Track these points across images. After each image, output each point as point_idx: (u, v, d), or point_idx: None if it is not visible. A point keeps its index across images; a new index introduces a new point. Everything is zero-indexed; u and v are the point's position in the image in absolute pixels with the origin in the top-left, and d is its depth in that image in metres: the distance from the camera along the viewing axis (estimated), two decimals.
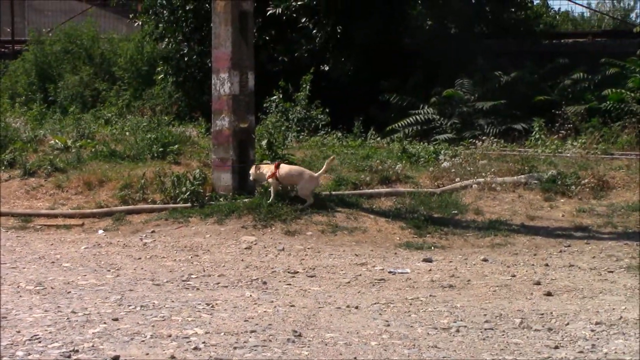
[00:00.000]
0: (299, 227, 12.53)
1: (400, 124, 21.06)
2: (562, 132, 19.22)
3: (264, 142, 15.74)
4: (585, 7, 31.45)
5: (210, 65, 15.73)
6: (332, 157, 14.12)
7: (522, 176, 14.88)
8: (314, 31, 22.48)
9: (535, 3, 27.45)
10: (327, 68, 22.44)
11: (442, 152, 16.95)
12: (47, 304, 7.78)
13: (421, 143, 18.82)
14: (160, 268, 10.08)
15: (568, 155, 16.98)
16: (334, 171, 15.42)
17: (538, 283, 9.29)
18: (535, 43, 24.57)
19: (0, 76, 27.63)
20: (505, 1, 24.88)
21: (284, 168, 13.43)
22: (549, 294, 8.74)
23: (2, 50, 30.53)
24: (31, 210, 14.21)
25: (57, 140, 17.78)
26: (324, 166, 13.56)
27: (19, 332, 6.56)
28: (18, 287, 8.68)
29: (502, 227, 12.73)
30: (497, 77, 22.01)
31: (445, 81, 21.78)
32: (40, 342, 6.26)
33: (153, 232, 12.56)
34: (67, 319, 7.11)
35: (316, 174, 13.43)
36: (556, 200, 14.01)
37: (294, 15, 22.55)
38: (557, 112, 20.16)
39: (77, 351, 6.00)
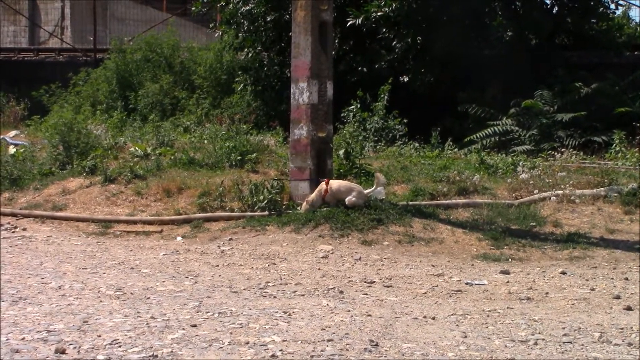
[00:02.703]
0: (376, 237, 12.52)
1: (478, 135, 20.94)
2: None
3: (341, 152, 15.79)
4: None
5: (289, 74, 15.81)
6: (378, 174, 14.14)
7: (602, 189, 14.68)
8: (394, 42, 22.46)
9: (616, 14, 27.07)
10: (406, 79, 22.42)
11: (520, 163, 16.80)
12: (127, 309, 7.87)
13: (499, 154, 18.68)
14: (237, 275, 10.15)
15: None
16: (410, 181, 15.40)
17: (618, 297, 9.16)
18: (617, 55, 24.27)
19: (82, 84, 28.03)
20: (587, 12, 24.51)
21: (334, 184, 13.62)
22: (629, 308, 8.62)
23: (85, 58, 30.97)
24: (111, 216, 14.42)
25: (137, 148, 18.01)
26: (374, 185, 13.76)
27: (99, 336, 6.65)
28: (98, 292, 8.81)
29: (581, 240, 12.58)
30: (578, 89, 21.78)
31: (525, 92, 21.60)
32: (120, 346, 6.34)
33: (230, 239, 12.65)
34: (147, 324, 7.19)
35: (365, 191, 13.57)
36: (636, 213, 13.79)
37: (374, 25, 22.55)
38: (638, 124, 19.85)
39: (156, 356, 6.06)
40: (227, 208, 14.28)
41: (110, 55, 28.05)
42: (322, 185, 13.44)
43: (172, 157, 17.15)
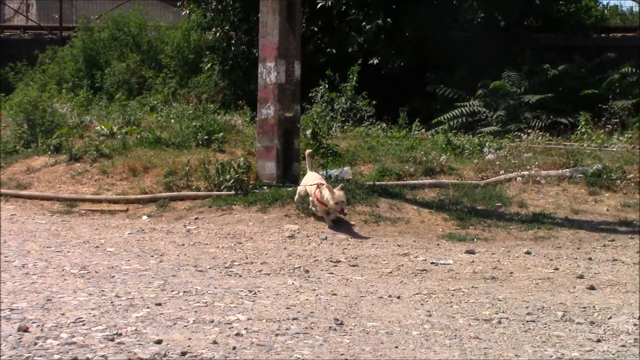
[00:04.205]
0: (342, 217, 12.52)
1: (445, 116, 21.02)
2: (609, 126, 19.09)
3: (308, 132, 15.78)
4: (635, 1, 31.02)
5: (257, 54, 15.75)
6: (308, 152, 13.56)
7: (567, 170, 14.78)
8: (364, 23, 22.43)
9: None
10: (376, 61, 22.41)
11: (487, 144, 16.89)
12: (91, 288, 7.84)
13: (466, 135, 18.76)
14: (203, 255, 10.13)
15: (614, 149, 16.87)
16: (377, 161, 15.41)
17: (581, 277, 9.23)
18: (584, 37, 24.44)
19: (48, 62, 27.80)
20: None
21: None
22: (592, 287, 8.68)
23: (51, 36, 30.74)
24: (76, 195, 14.32)
25: (103, 127, 17.92)
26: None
27: (63, 314, 6.61)
28: (63, 270, 8.76)
29: (546, 221, 12.64)
30: (545, 71, 21.89)
31: (493, 74, 21.68)
32: (84, 324, 6.30)
33: (197, 219, 12.61)
34: (111, 302, 7.16)
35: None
36: (601, 194, 13.91)
37: (344, 6, 22.51)
38: (604, 106, 20.03)
39: (120, 335, 6.04)
40: (194, 187, 14.24)
41: (77, 33, 27.83)
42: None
43: (139, 136, 17.06)
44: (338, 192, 11.88)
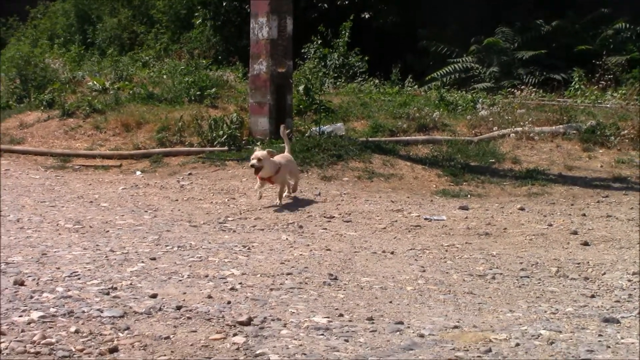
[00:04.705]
0: (335, 173, 12.54)
1: (438, 73, 20.99)
2: (602, 82, 19.08)
3: (301, 88, 15.77)
4: None
5: (249, 9, 15.68)
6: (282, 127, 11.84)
7: (561, 126, 14.80)
8: None
9: None
10: (367, 16, 22.33)
11: (480, 100, 16.90)
12: (86, 242, 7.84)
13: (459, 91, 18.76)
14: (197, 210, 10.14)
15: (608, 105, 16.88)
16: (370, 118, 15.41)
17: (575, 233, 9.24)
18: None
19: (40, 17, 27.68)
20: None
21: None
22: (585, 243, 8.70)
23: None
24: (70, 150, 14.32)
25: (95, 82, 17.87)
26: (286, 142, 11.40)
27: (58, 268, 6.62)
28: (57, 225, 8.76)
29: (540, 177, 12.68)
30: (538, 27, 21.86)
31: (486, 30, 21.62)
32: (79, 278, 6.31)
33: (190, 174, 12.62)
34: (106, 257, 7.17)
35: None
36: (595, 150, 13.94)
37: None
38: (597, 62, 19.98)
39: (115, 288, 6.04)
40: (187, 143, 14.24)
41: None
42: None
43: (131, 92, 17.04)
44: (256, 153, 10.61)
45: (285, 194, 10.89)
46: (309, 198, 11.17)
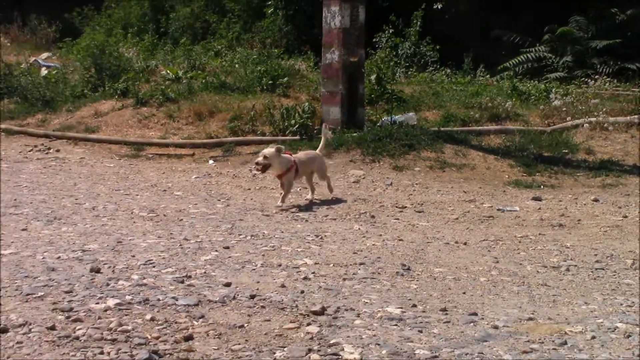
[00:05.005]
0: (407, 163, 12.51)
1: (511, 62, 20.79)
2: None
3: (373, 77, 15.75)
4: None
5: None
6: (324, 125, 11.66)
7: (636, 116, 14.59)
8: None
9: None
10: (440, 6, 22.20)
11: (553, 90, 16.71)
12: (160, 231, 7.92)
13: (532, 81, 18.56)
14: (269, 199, 10.19)
15: None
16: (442, 107, 15.34)
17: None
18: None
19: (114, 7, 27.97)
20: None
21: (300, 156, 10.31)
22: None
23: None
24: (143, 139, 14.46)
25: (168, 71, 18.03)
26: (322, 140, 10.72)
27: (133, 256, 6.70)
28: (132, 213, 8.87)
29: (614, 168, 12.52)
30: (613, 15, 21.51)
31: (559, 19, 21.36)
32: (154, 266, 6.37)
33: None
34: (180, 245, 7.23)
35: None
36: None
37: None
38: None
39: (190, 277, 6.10)
40: (259, 132, 14.32)
41: None
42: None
43: (204, 81, 17.16)
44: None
45: (310, 196, 10.22)
46: (381, 188, 11.15)
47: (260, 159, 9.66)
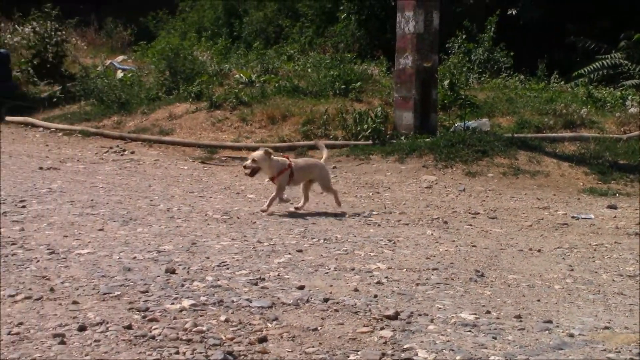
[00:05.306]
0: (480, 169, 12.45)
1: (586, 69, 20.56)
2: None
3: (446, 83, 15.69)
4: None
5: (393, 3, 15.70)
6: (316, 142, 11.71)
7: None
8: None
9: None
10: (514, 11, 22.04)
11: (629, 97, 16.51)
12: (234, 233, 7.97)
13: (607, 88, 18.36)
14: (342, 203, 10.18)
15: None
16: (516, 114, 15.24)
17: None
18: None
19: (188, 10, 28.24)
20: None
21: (299, 162, 9.88)
22: None
23: None
24: (217, 142, 14.57)
25: (241, 75, 18.15)
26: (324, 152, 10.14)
27: (207, 258, 6.74)
28: (206, 215, 8.93)
29: None
30: None
31: (636, 25, 21.06)
32: (228, 268, 6.41)
33: (334, 167, 12.70)
34: (253, 248, 7.27)
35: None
36: None
37: None
38: None
39: (263, 279, 6.12)
40: (331, 136, 14.34)
41: None
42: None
43: (277, 85, 17.25)
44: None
45: (302, 204, 9.66)
46: (453, 193, 11.10)
47: (248, 162, 9.29)
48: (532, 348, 4.82)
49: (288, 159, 9.53)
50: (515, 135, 13.99)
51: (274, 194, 9.34)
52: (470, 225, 9.11)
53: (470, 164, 12.61)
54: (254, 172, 9.31)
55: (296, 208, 9.54)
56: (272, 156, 9.33)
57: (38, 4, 22.65)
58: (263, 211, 9.19)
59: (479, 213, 9.84)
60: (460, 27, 20.37)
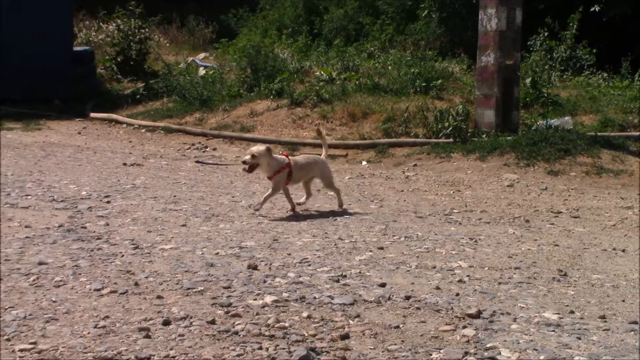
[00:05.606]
0: (562, 167, 12.33)
1: None
2: None
3: (528, 80, 15.56)
4: None
5: (475, 1, 15.58)
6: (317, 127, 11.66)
7: None
8: None
9: None
10: (597, 8, 21.74)
11: None
12: (315, 230, 8.00)
13: None
14: (422, 201, 10.18)
15: None
16: (599, 112, 15.05)
17: None
18: None
19: (269, 8, 28.39)
20: None
21: (298, 158, 9.56)
22: None
23: None
24: (297, 139, 14.64)
25: (322, 72, 18.21)
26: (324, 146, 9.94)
27: (289, 254, 6.79)
28: (286, 212, 8.98)
29: None
30: None
31: None
32: (309, 265, 6.45)
33: (415, 165, 12.68)
34: (335, 245, 7.29)
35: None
36: None
37: None
38: None
39: (345, 276, 6.15)
40: (412, 134, 14.32)
41: None
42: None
43: (357, 82, 17.27)
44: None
45: (304, 200, 9.47)
46: (535, 192, 11.01)
47: (247, 157, 8.86)
48: (617, 349, 4.77)
49: (287, 157, 9.25)
50: (599, 133, 13.82)
51: (269, 192, 9.02)
52: (553, 224, 9.03)
53: (553, 162, 12.48)
54: (252, 168, 8.89)
55: (298, 204, 9.35)
56: (271, 153, 9.00)
57: (122, 2, 23.01)
58: (256, 210, 8.91)
59: (561, 212, 9.75)
60: (542, 24, 20.17)
